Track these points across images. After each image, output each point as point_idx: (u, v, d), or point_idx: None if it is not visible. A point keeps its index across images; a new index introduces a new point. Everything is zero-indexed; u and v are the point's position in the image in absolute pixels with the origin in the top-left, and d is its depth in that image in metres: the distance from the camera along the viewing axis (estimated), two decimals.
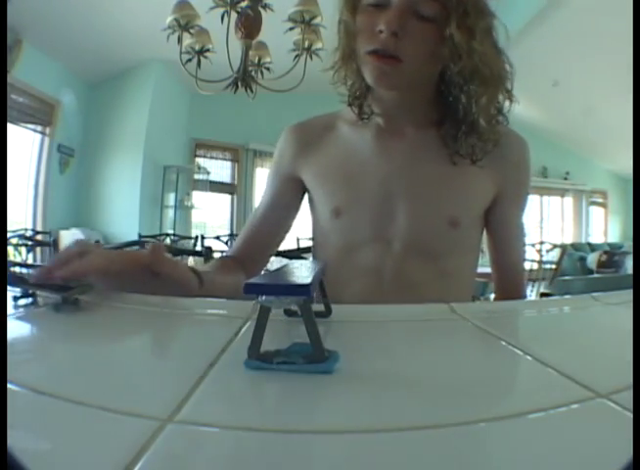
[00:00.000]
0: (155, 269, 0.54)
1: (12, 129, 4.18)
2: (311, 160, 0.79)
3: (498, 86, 0.68)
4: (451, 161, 0.72)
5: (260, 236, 0.83)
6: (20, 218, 4.45)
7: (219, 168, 6.00)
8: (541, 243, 3.85)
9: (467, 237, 0.76)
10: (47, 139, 4.67)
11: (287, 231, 0.86)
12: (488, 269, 0.85)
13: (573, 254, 6.45)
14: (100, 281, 0.51)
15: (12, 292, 0.46)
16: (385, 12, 0.63)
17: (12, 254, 2.84)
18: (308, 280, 0.31)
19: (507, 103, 0.70)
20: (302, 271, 0.36)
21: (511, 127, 0.75)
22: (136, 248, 1.95)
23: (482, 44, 0.64)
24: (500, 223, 0.79)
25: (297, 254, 1.68)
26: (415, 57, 0.64)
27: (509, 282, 0.83)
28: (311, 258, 0.90)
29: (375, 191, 0.73)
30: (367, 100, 0.73)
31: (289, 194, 0.82)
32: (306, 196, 0.84)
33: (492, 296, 0.98)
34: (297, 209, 0.84)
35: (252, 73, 2.29)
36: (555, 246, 3.84)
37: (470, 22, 0.63)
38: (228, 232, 5.29)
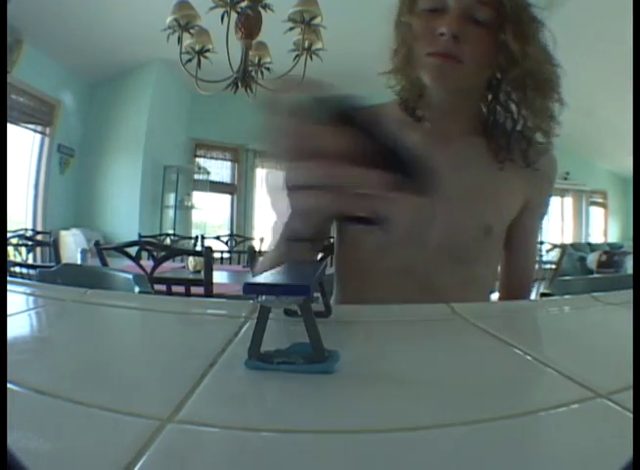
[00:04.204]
0: None
1: (12, 129, 4.17)
2: None
3: (554, 89, 0.69)
4: (497, 168, 0.73)
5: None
6: (20, 218, 4.44)
7: (219, 168, 5.99)
8: (541, 243, 3.84)
9: (496, 245, 0.78)
10: (47, 139, 4.66)
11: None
12: None
13: (573, 254, 6.43)
14: None
15: (13, 292, 0.46)
16: (443, 16, 0.66)
17: (12, 254, 2.83)
18: (308, 280, 0.31)
19: (557, 107, 0.71)
20: (302, 271, 0.36)
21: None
22: (136, 248, 1.94)
23: (535, 49, 0.67)
24: (521, 234, 0.80)
25: None
26: (474, 60, 0.67)
27: (517, 290, 0.83)
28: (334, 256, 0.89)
29: None
30: (420, 105, 0.74)
31: None
32: None
33: (492, 296, 0.98)
34: None
35: (252, 73, 2.29)
36: (555, 246, 3.83)
37: (523, 27, 0.66)
38: (228, 232, 5.29)
